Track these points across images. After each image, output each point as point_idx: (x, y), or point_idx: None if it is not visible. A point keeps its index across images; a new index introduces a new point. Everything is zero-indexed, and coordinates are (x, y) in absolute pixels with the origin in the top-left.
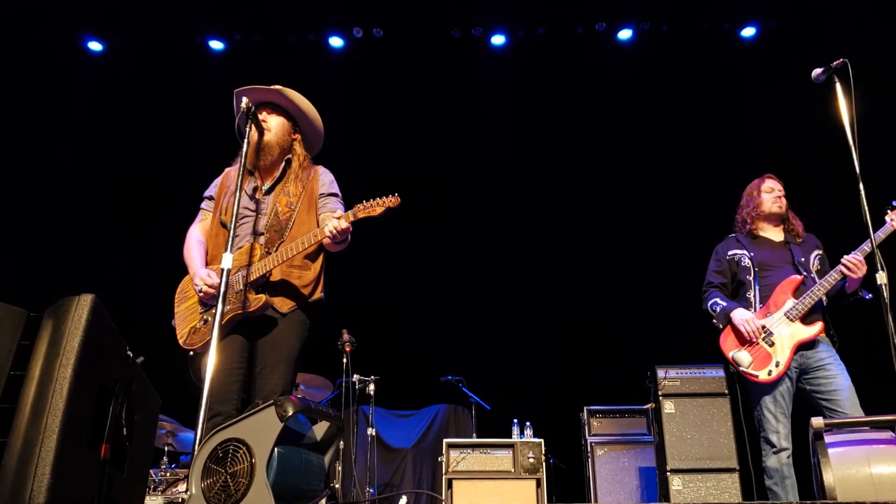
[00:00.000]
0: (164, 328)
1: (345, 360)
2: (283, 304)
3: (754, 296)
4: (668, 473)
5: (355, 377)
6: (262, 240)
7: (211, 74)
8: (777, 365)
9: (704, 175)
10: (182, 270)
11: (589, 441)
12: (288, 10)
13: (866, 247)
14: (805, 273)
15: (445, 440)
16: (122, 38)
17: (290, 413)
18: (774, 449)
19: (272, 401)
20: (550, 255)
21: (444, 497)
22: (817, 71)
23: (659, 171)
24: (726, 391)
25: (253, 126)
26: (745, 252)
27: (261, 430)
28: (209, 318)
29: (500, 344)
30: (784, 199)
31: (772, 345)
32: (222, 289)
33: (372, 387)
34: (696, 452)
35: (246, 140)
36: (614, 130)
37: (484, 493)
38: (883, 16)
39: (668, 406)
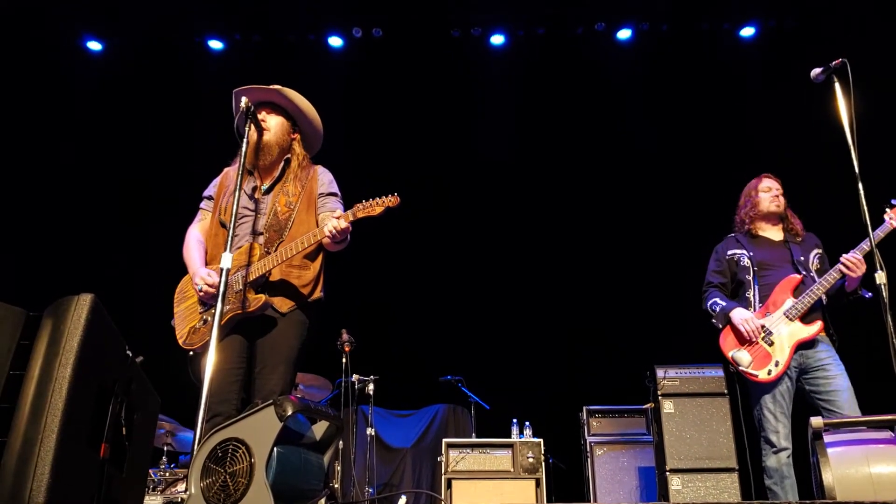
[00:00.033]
0: (163, 328)
1: (344, 360)
2: (282, 304)
3: (754, 295)
4: (668, 473)
5: (355, 377)
6: (261, 239)
7: (211, 74)
8: (777, 364)
9: (704, 175)
10: (181, 270)
11: (588, 441)
12: (288, 10)
13: (865, 245)
14: (804, 272)
15: (445, 440)
16: (122, 38)
17: (290, 413)
18: (774, 449)
19: (271, 400)
20: (550, 255)
21: (443, 497)
22: (816, 71)
23: (658, 171)
24: (725, 391)
25: (252, 126)
26: (745, 252)
27: (260, 429)
28: (209, 318)
29: (499, 344)
30: (782, 198)
31: (771, 344)
32: (221, 288)
33: (371, 386)
34: (695, 452)
35: (245, 140)
36: (614, 130)
37: (483, 493)
38: (883, 16)
39: (668, 406)
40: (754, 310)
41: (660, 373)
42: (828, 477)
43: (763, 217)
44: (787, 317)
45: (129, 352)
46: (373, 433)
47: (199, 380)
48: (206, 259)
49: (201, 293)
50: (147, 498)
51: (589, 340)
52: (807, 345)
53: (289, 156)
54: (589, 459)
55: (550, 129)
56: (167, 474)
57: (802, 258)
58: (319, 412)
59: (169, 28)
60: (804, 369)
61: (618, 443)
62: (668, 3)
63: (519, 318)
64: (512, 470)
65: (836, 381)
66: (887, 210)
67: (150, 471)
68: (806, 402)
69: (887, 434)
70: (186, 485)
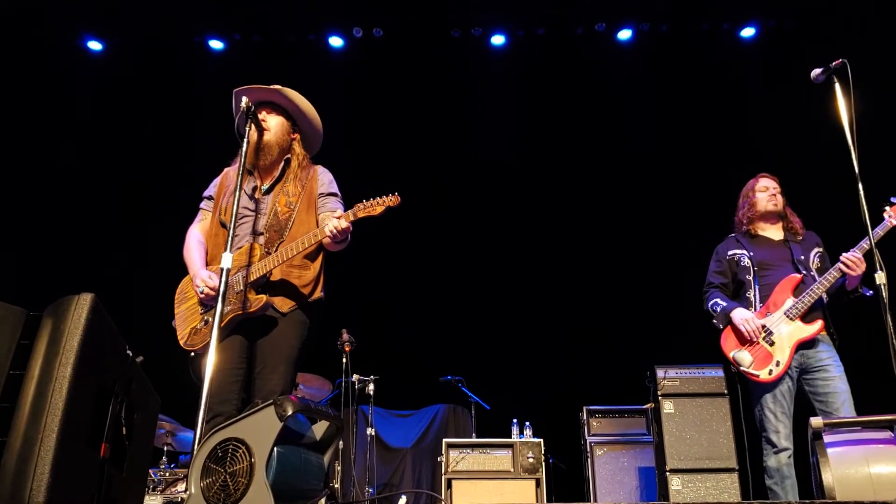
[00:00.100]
0: (163, 328)
1: (344, 360)
2: (282, 304)
3: (754, 295)
4: (668, 473)
5: (355, 377)
6: (261, 240)
7: (211, 74)
8: (777, 364)
9: (704, 175)
10: (181, 270)
11: (588, 441)
12: (288, 10)
13: (865, 244)
14: (805, 271)
15: (445, 440)
16: (122, 38)
17: (290, 412)
18: (775, 449)
19: (271, 400)
20: (550, 255)
21: (443, 497)
22: (816, 71)
23: (658, 171)
24: (725, 391)
25: (252, 126)
26: (745, 252)
27: (260, 429)
28: (210, 319)
29: (499, 344)
30: (780, 197)
31: (772, 344)
32: (222, 289)
33: (371, 386)
34: (695, 452)
35: (245, 140)
36: (614, 130)
37: (483, 493)
38: (883, 16)
39: (668, 406)
40: (755, 310)
41: (660, 373)
42: (828, 477)
43: (761, 217)
44: (788, 316)
45: (129, 352)
46: (373, 433)
47: (199, 380)
48: (206, 259)
49: (202, 296)
50: (147, 498)
51: (589, 340)
52: (807, 344)
53: (289, 156)
54: (589, 459)
55: (550, 129)
56: (167, 474)
57: (803, 257)
58: (319, 412)
59: (169, 28)
60: (805, 369)
61: (618, 443)
62: (668, 4)
63: (519, 318)
64: (512, 470)
65: (834, 383)
66: (886, 208)
67: (150, 471)
68: (808, 402)
69: (887, 434)
70: (186, 484)
